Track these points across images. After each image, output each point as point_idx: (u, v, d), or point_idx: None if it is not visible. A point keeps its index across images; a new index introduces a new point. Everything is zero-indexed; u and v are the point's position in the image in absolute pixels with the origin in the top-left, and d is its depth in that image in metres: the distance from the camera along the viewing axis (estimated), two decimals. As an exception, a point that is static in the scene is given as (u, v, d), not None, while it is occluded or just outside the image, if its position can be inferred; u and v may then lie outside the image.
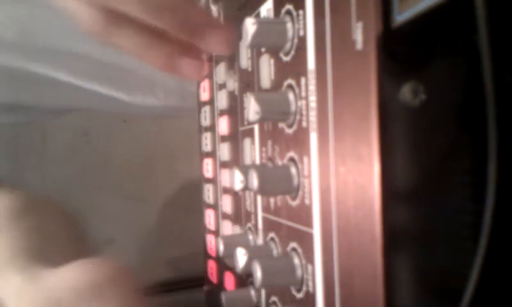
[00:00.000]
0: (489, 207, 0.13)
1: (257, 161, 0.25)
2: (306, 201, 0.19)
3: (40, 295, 0.21)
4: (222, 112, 0.32)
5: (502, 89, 0.14)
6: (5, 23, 0.37)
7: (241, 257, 0.23)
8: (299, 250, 0.20)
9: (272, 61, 0.22)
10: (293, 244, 0.21)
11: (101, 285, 0.21)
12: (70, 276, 0.21)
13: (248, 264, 0.22)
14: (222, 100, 0.31)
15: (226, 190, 0.32)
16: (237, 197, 0.29)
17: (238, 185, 0.23)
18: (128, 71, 0.42)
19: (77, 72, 0.41)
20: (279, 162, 0.22)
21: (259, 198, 0.25)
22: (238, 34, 0.27)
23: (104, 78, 0.42)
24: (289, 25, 0.20)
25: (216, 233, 0.35)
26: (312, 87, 0.18)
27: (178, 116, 0.47)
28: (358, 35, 0.15)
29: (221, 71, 0.31)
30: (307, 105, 0.19)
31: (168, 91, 0.44)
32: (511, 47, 0.15)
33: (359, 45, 0.15)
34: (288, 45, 0.20)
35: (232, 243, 0.27)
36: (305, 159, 0.19)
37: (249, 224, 0.27)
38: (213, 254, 0.36)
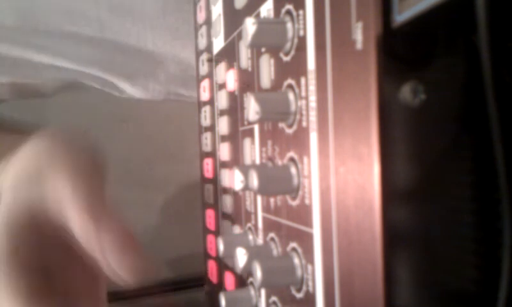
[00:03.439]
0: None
1: (257, 161, 0.25)
2: (306, 201, 0.19)
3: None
4: (222, 112, 0.32)
5: (502, 88, 0.14)
6: (5, 9, 0.37)
7: (241, 257, 0.23)
8: (299, 250, 0.20)
9: (272, 61, 0.22)
10: (293, 244, 0.21)
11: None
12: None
13: (248, 264, 0.22)
14: (222, 100, 0.31)
15: (226, 190, 0.32)
16: (237, 197, 0.29)
17: (238, 185, 0.23)
18: (129, 54, 0.42)
19: (78, 57, 0.41)
20: (279, 162, 0.22)
21: (259, 198, 0.25)
22: (238, 36, 0.26)
23: (104, 63, 0.42)
24: (289, 25, 0.20)
25: (216, 233, 0.35)
26: (312, 87, 0.18)
27: (179, 101, 0.47)
28: (358, 35, 0.15)
29: (221, 71, 0.31)
30: (307, 105, 0.19)
31: (169, 74, 0.44)
32: (511, 47, 0.15)
33: (359, 45, 0.15)
34: (288, 45, 0.20)
35: (231, 243, 0.27)
36: (305, 159, 0.19)
37: (249, 224, 0.27)
38: (213, 254, 0.36)
